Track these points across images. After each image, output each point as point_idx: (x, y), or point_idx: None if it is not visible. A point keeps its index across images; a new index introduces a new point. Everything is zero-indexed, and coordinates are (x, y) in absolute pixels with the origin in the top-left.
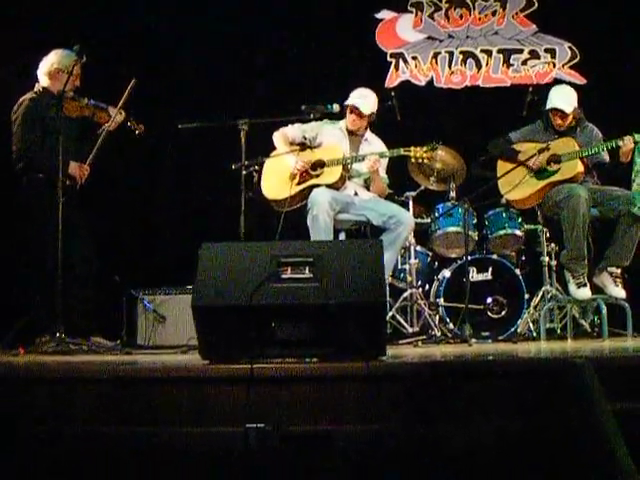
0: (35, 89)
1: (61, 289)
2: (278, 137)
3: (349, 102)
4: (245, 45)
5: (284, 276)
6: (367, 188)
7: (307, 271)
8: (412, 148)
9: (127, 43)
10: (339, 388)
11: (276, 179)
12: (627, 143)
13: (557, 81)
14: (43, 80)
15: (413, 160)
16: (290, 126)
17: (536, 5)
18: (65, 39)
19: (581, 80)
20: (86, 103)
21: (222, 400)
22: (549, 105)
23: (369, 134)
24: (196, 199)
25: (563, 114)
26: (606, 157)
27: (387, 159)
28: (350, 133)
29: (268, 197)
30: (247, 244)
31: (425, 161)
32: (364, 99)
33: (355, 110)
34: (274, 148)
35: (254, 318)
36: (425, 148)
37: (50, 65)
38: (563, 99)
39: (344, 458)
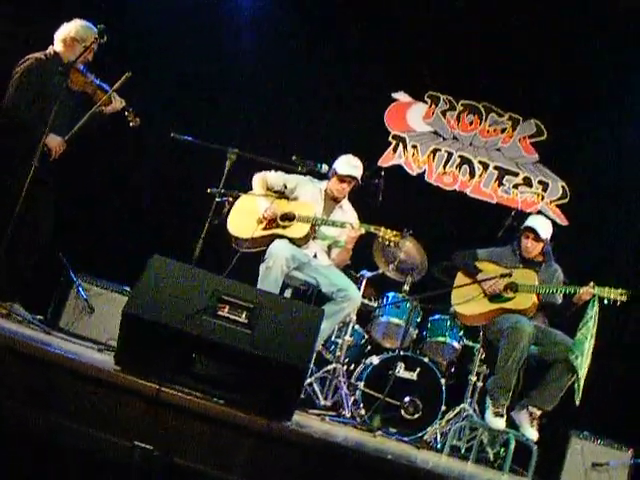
0: (47, 51)
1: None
2: (258, 179)
3: (344, 171)
4: (255, 81)
5: (220, 313)
6: (328, 253)
7: (244, 316)
8: (382, 229)
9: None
10: (236, 437)
11: (244, 218)
12: (585, 292)
13: (540, 213)
14: (57, 45)
15: (380, 240)
16: (273, 172)
17: (545, 136)
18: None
19: (563, 221)
20: (91, 80)
21: (120, 411)
22: (525, 224)
23: (345, 202)
24: (164, 209)
25: (536, 237)
26: (559, 299)
27: None
28: (327, 197)
29: (230, 232)
30: (195, 270)
31: (391, 244)
32: (358, 169)
33: (348, 179)
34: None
35: (178, 343)
36: (395, 232)
37: (68, 32)
38: (540, 224)
39: None
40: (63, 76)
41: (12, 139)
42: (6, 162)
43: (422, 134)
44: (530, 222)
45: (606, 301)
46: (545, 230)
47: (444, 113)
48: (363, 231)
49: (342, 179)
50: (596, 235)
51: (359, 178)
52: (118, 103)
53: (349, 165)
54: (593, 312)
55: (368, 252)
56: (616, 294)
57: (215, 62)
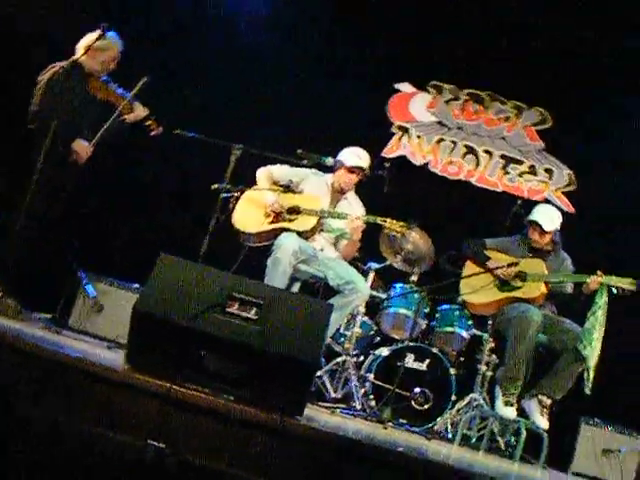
0: (69, 60)
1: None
2: (263, 173)
3: (352, 163)
4: (256, 76)
5: (229, 310)
6: (335, 245)
7: (253, 312)
8: (388, 220)
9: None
10: (247, 434)
11: (250, 212)
12: (593, 281)
13: (547, 201)
14: (80, 54)
15: (386, 231)
16: (277, 166)
17: (549, 124)
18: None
19: (570, 209)
20: (114, 90)
21: (132, 409)
22: (531, 217)
23: (351, 194)
24: (169, 206)
25: (542, 231)
26: (569, 289)
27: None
28: (333, 189)
29: (237, 227)
30: (204, 267)
31: (397, 235)
32: (365, 160)
33: (356, 170)
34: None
35: (188, 341)
36: (401, 223)
37: (90, 42)
38: (546, 216)
39: None
40: (83, 84)
41: (40, 143)
42: (32, 165)
43: (426, 124)
44: (535, 216)
45: (615, 290)
46: (550, 222)
47: (448, 103)
48: (363, 222)
49: (351, 170)
50: (604, 223)
51: (367, 169)
52: (141, 111)
53: (357, 156)
54: (602, 301)
55: (375, 244)
56: (625, 283)
57: (213, 57)
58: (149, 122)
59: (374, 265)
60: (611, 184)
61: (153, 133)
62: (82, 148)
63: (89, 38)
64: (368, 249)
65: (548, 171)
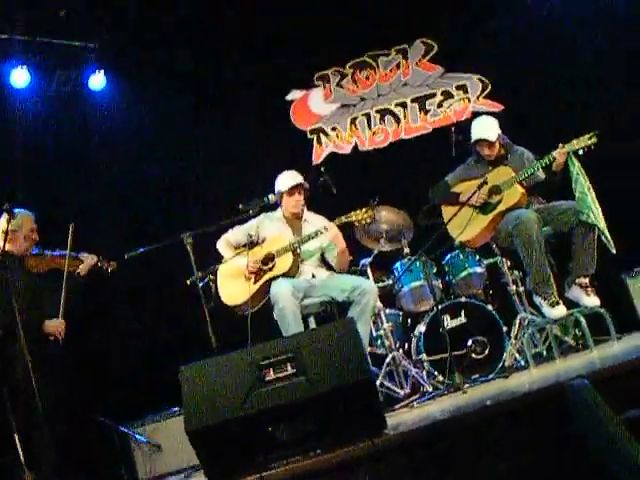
0: None
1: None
2: (222, 245)
3: (288, 185)
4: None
5: (268, 378)
6: (323, 265)
7: (289, 368)
8: (352, 213)
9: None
10: (350, 472)
11: (232, 284)
12: (559, 154)
13: (476, 114)
14: (1, 245)
15: (357, 224)
16: (230, 231)
17: (435, 48)
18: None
19: (498, 107)
20: (50, 255)
21: None
22: (473, 138)
23: (307, 214)
24: (161, 322)
25: (489, 143)
26: (542, 175)
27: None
28: (289, 220)
29: (229, 304)
30: (224, 357)
31: (368, 221)
32: (298, 176)
33: (296, 189)
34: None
35: (250, 427)
36: (364, 209)
37: (4, 228)
38: (484, 129)
39: None
40: (20, 269)
41: (14, 346)
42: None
43: (333, 114)
44: (475, 134)
45: (581, 152)
46: (492, 131)
47: (339, 84)
48: (336, 227)
49: (291, 193)
50: (534, 101)
51: (304, 183)
52: (89, 259)
53: (288, 178)
54: (576, 167)
55: (355, 241)
56: (585, 140)
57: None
58: (100, 264)
59: (366, 260)
60: (517, 61)
61: (110, 270)
62: (54, 327)
63: (2, 226)
64: (352, 249)
65: (460, 87)
